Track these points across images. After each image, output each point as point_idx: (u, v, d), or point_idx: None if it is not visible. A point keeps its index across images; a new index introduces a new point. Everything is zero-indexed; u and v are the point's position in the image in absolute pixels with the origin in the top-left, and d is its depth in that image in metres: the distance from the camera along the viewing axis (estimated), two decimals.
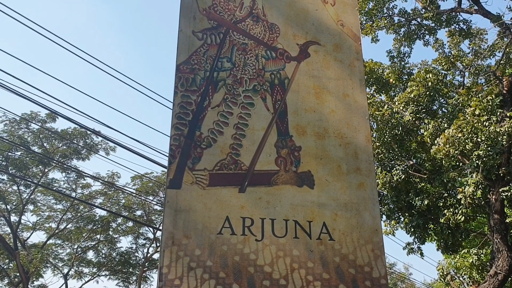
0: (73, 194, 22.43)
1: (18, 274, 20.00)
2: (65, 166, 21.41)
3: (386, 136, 11.86)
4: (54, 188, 21.93)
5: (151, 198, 23.66)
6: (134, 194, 23.24)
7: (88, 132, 21.20)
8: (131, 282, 25.51)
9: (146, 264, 25.05)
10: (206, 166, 3.26)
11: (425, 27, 13.91)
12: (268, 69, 3.71)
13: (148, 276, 25.28)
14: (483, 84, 12.70)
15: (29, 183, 21.34)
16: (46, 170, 21.94)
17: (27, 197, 21.76)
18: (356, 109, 3.70)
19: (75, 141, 22.03)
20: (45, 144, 21.77)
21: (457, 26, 13.53)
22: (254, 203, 3.19)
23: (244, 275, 2.97)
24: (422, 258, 13.47)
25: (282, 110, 3.58)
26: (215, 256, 3.00)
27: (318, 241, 3.15)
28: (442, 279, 14.86)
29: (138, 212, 25.00)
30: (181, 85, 3.53)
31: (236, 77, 3.63)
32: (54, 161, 21.13)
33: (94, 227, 23.80)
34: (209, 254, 3.00)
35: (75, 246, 23.68)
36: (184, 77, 3.56)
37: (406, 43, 13.97)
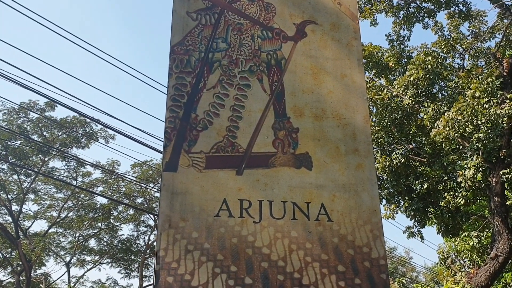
0: (74, 183, 22.44)
1: (20, 262, 20.10)
2: (65, 154, 21.38)
3: (386, 120, 11.82)
4: (55, 177, 21.93)
5: (151, 185, 23.69)
6: (134, 182, 23.25)
7: (88, 120, 21.14)
8: (133, 269, 25.68)
9: (148, 251, 25.18)
10: (203, 149, 3.22)
11: (424, 10, 13.76)
12: (264, 49, 3.64)
13: (149, 263, 25.44)
14: (483, 66, 12.60)
15: (29, 172, 21.34)
16: (46, 159, 21.93)
17: (27, 186, 21.78)
18: (354, 90, 3.63)
19: (74, 130, 21.98)
20: (44, 133, 21.72)
21: (456, 8, 13.39)
22: (252, 185, 3.15)
23: (242, 257, 2.94)
24: (423, 242, 13.49)
25: (279, 91, 3.51)
26: (212, 239, 2.97)
27: (317, 222, 3.13)
28: (442, 263, 14.90)
29: (139, 200, 25.08)
30: (175, 67, 3.46)
31: (231, 58, 3.56)
32: (54, 150, 21.09)
33: (95, 215, 23.89)
34: (206, 236, 2.97)
35: (77, 235, 23.79)
36: (179, 58, 3.49)
37: (405, 26, 13.85)
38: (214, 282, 2.86)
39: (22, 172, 21.30)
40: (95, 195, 23.24)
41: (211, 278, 2.87)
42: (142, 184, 23.41)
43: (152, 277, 23.78)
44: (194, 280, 2.86)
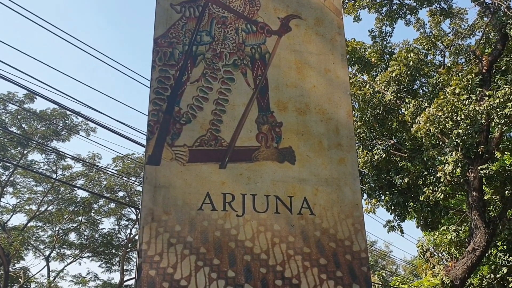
0: (54, 176, 22.14)
1: None
2: (44, 147, 21.07)
3: (368, 116, 11.92)
4: (34, 170, 21.60)
5: (133, 179, 23.51)
6: (116, 175, 23.05)
7: (68, 112, 20.85)
8: (114, 263, 25.49)
9: (129, 245, 25.02)
10: (186, 142, 3.22)
11: (406, 7, 13.89)
12: (248, 43, 3.64)
13: (131, 257, 25.28)
14: (463, 63, 12.80)
15: (8, 165, 20.97)
16: (25, 151, 21.58)
17: (6, 179, 21.41)
18: (337, 84, 3.66)
19: (54, 122, 21.66)
20: (23, 125, 21.36)
21: (438, 6, 13.54)
22: (235, 179, 3.18)
23: (225, 250, 2.97)
24: (402, 236, 13.72)
25: (263, 85, 3.52)
26: (195, 232, 2.99)
27: (299, 216, 3.16)
28: (421, 256, 15.17)
29: (120, 193, 24.86)
30: (159, 59, 3.44)
31: (215, 51, 3.55)
32: (34, 142, 20.77)
33: (76, 209, 23.61)
34: (189, 230, 2.99)
35: (57, 228, 23.49)
36: (162, 51, 3.47)
37: (388, 23, 13.95)
38: (197, 275, 2.87)
39: (1, 165, 20.92)
40: (76, 189, 22.98)
41: (194, 271, 2.88)
42: (123, 178, 23.23)
43: (133, 271, 23.71)
44: (177, 273, 2.86)
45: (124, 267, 24.40)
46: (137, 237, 23.69)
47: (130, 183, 23.92)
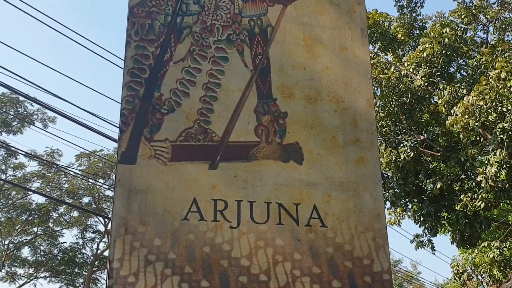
0: (3, 177, 22.13)
1: None
2: None
3: (392, 105, 11.92)
4: None
5: (101, 181, 23.51)
6: (80, 177, 23.04)
7: (21, 98, 20.81)
8: (78, 285, 25.53)
9: (96, 262, 25.05)
10: (168, 136, 3.20)
11: None
12: (246, 14, 3.63)
13: (98, 277, 25.32)
14: (511, 41, 12.80)
15: None
16: None
17: None
18: (356, 66, 3.65)
19: (3, 110, 21.62)
20: None
21: None
22: (228, 182, 3.16)
23: (215, 270, 2.94)
24: (433, 253, 13.75)
25: (264, 66, 3.52)
26: (179, 247, 2.97)
27: (307, 228, 3.15)
28: (457, 278, 15.23)
29: (86, 199, 24.86)
30: (135, 33, 3.43)
31: (205, 24, 3.55)
32: None
33: (30, 218, 23.61)
34: (171, 244, 2.97)
35: (6, 242, 23.48)
36: (139, 22, 3.46)
37: None
38: None
39: None
40: (30, 193, 22.97)
41: None
42: (89, 180, 23.22)
43: None
44: None
45: None
46: (106, 253, 23.68)
47: (98, 187, 23.91)
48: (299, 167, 3.28)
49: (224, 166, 3.20)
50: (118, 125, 3.24)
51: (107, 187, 23.48)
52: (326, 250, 3.12)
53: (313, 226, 3.16)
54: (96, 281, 25.26)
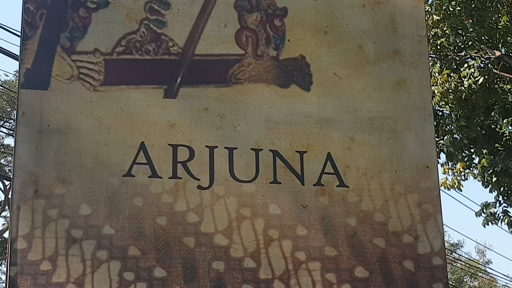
0: None
1: None
2: None
3: (453, 3, 9.76)
4: None
5: None
6: None
7: None
8: None
9: None
10: (99, 46, 2.55)
11: None
12: None
13: None
14: None
15: None
16: None
17: None
18: None
19: None
20: None
21: None
22: (195, 118, 2.59)
23: (175, 252, 2.42)
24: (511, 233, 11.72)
25: None
26: (119, 218, 2.42)
27: (318, 189, 2.59)
28: None
29: None
30: None
31: None
32: None
33: None
34: (107, 214, 2.41)
35: None
36: None
37: None
38: None
39: None
40: None
41: None
42: None
43: None
44: None
45: None
46: (5, 235, 19.76)
47: None
48: (306, 95, 2.70)
49: (188, 94, 2.60)
50: (20, 30, 2.52)
51: (6, 131, 20.42)
52: (346, 222, 2.58)
53: (326, 185, 2.62)
54: None
